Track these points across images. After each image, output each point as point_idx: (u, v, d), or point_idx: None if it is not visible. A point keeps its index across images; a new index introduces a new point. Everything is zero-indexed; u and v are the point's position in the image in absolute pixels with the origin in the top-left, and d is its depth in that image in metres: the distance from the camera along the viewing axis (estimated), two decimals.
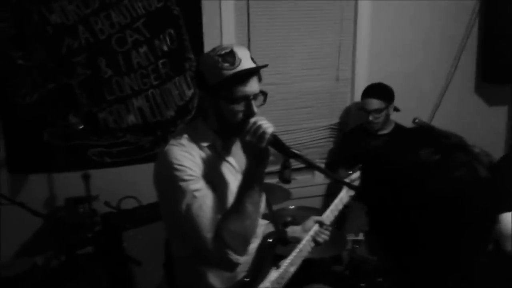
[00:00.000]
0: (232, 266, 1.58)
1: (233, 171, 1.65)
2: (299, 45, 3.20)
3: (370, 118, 2.98)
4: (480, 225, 0.73)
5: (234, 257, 1.51)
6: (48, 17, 2.59)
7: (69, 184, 2.65)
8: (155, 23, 2.80)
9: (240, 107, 1.51)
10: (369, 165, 0.84)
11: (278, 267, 1.77)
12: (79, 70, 2.70)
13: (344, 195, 1.99)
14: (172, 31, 2.85)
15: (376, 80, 3.09)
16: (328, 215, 1.90)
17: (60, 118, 2.67)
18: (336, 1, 3.21)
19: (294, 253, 1.78)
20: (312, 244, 1.84)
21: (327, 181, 3.37)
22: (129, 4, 2.73)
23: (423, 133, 0.80)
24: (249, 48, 3.04)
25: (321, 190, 3.37)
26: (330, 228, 1.87)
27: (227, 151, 1.65)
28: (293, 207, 2.72)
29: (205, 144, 1.59)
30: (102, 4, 2.67)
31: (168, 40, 2.84)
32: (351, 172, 2.06)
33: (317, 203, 3.32)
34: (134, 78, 2.82)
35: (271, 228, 1.85)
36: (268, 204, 1.79)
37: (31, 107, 2.64)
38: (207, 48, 2.90)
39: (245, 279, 1.71)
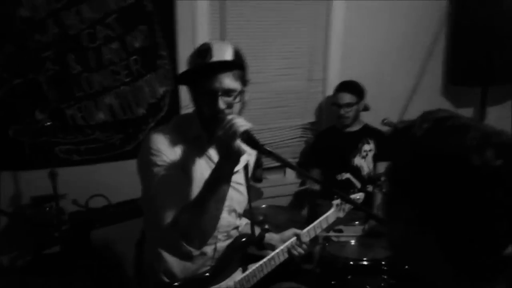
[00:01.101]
0: (187, 256, 1.64)
1: (210, 165, 1.64)
2: (273, 45, 3.22)
3: (341, 112, 3.05)
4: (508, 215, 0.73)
5: (187, 248, 1.58)
6: (16, 10, 2.51)
7: (35, 182, 2.58)
8: (128, 19, 2.75)
9: (209, 101, 1.51)
10: (393, 158, 0.82)
11: (245, 269, 1.77)
12: (47, 66, 2.63)
13: (331, 214, 1.98)
14: (144, 28, 2.81)
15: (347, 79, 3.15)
16: (309, 232, 1.88)
17: (26, 114, 2.60)
18: (310, 2, 3.24)
19: (264, 260, 1.79)
20: (286, 256, 1.83)
21: (298, 180, 3.39)
22: None
23: (474, 130, 0.75)
24: None
25: (292, 189, 3.39)
26: (306, 245, 1.84)
27: (211, 144, 1.64)
28: (264, 206, 2.73)
29: (190, 135, 1.62)
30: None
31: (140, 36, 2.80)
32: (350, 196, 2.08)
33: (288, 202, 3.34)
34: (104, 74, 2.76)
35: (248, 229, 1.85)
36: (249, 204, 1.80)
37: None
38: (180, 45, 2.88)
39: (205, 274, 1.72)
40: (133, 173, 2.59)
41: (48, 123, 2.51)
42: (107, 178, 2.76)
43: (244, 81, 1.57)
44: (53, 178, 2.41)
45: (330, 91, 3.28)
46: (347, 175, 3.06)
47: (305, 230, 1.87)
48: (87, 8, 2.66)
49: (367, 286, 2.20)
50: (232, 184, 1.64)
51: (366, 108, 3.17)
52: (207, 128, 1.60)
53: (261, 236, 1.88)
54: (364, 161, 3.06)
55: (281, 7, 3.16)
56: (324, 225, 1.94)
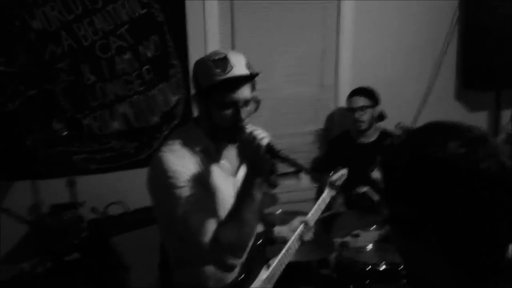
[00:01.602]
0: (229, 268, 1.65)
1: (225, 174, 1.67)
2: (283, 52, 3.23)
3: (356, 115, 3.02)
4: (508, 215, 0.73)
5: (231, 261, 1.58)
6: (30, 23, 2.56)
7: (54, 190, 2.62)
8: (139, 30, 2.80)
9: (229, 112, 1.53)
10: (392, 160, 0.83)
11: (268, 266, 1.79)
12: (62, 77, 2.67)
13: (326, 195, 2.13)
14: (156, 38, 2.84)
15: (358, 85, 3.13)
16: (313, 216, 2.01)
17: (43, 124, 2.64)
18: (320, 8, 3.25)
19: (283, 252, 1.83)
20: (299, 243, 1.91)
21: (313, 185, 3.38)
22: (113, 10, 2.72)
23: (446, 126, 0.79)
24: None
25: (308, 195, 3.37)
26: (313, 228, 1.98)
27: (219, 154, 1.66)
28: (279, 211, 2.73)
29: (198, 148, 1.60)
30: (85, 10, 2.65)
31: (152, 46, 2.84)
32: (332, 173, 2.19)
33: (303, 207, 3.32)
34: (118, 84, 2.80)
35: (260, 228, 1.89)
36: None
37: (13, 114, 2.59)
38: (191, 54, 2.90)
39: (239, 279, 1.73)
40: None
41: (65, 133, 2.54)
42: (124, 185, 2.78)
43: (254, 88, 1.61)
44: (72, 186, 2.44)
45: (341, 96, 3.28)
46: (365, 189, 3.01)
47: (309, 215, 2.01)
48: (99, 20, 2.70)
49: None
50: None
51: (381, 117, 3.12)
52: (215, 139, 1.62)
53: (270, 231, 1.94)
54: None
55: (290, 13, 3.17)
56: (322, 206, 2.10)
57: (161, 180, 1.54)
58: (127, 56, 2.80)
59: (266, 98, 3.19)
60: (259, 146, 1.44)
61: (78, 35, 2.67)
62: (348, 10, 3.29)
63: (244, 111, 1.53)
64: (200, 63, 1.59)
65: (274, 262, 1.80)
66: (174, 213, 1.53)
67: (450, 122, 0.79)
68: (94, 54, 2.72)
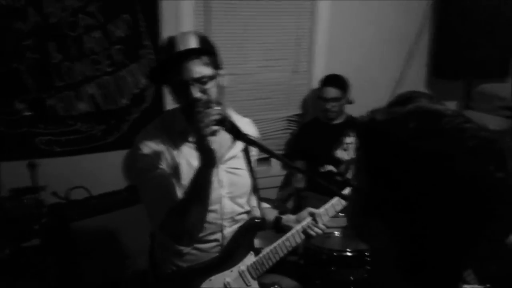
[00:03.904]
0: (176, 254, 1.68)
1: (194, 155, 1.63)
2: (258, 36, 3.19)
3: (328, 106, 3.06)
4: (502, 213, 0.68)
5: (177, 247, 1.64)
6: None
7: (14, 173, 2.52)
8: (110, 8, 2.70)
9: (182, 92, 1.50)
10: (378, 147, 0.73)
11: (257, 252, 1.76)
12: (27, 54, 2.57)
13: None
14: (127, 17, 2.76)
15: (332, 72, 3.15)
16: (326, 211, 1.81)
17: (5, 104, 2.54)
18: None
19: (279, 242, 1.76)
20: (303, 236, 1.78)
21: (283, 172, 3.38)
22: None
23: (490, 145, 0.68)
24: None
25: (278, 181, 3.38)
26: (325, 222, 1.80)
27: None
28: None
29: (177, 130, 1.61)
30: None
31: (123, 26, 2.75)
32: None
33: (273, 194, 3.33)
34: (86, 64, 2.71)
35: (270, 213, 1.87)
36: (256, 188, 1.81)
37: None
38: (164, 35, 2.83)
39: (215, 261, 1.71)
40: (115, 164, 2.56)
41: (28, 113, 2.45)
42: (89, 169, 2.71)
43: (216, 65, 1.55)
44: (32, 169, 2.36)
45: (315, 83, 3.27)
46: (330, 167, 3.07)
47: (321, 209, 1.81)
48: None
49: (351, 277, 2.20)
50: (230, 170, 1.68)
51: (350, 102, 3.18)
52: (190, 121, 1.57)
53: (278, 219, 1.85)
54: (346, 153, 3.07)
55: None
56: (339, 208, 1.83)
57: (131, 162, 1.68)
58: (96, 35, 2.71)
59: (240, 83, 3.20)
60: (206, 124, 1.37)
61: (46, 11, 2.57)
62: None
63: (199, 89, 1.48)
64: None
65: (266, 250, 1.76)
66: (141, 193, 1.62)
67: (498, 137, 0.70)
68: (62, 32, 2.62)
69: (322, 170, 3.08)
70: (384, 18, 3.49)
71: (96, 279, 2.40)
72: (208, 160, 1.44)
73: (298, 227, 1.78)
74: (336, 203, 1.82)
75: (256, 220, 1.79)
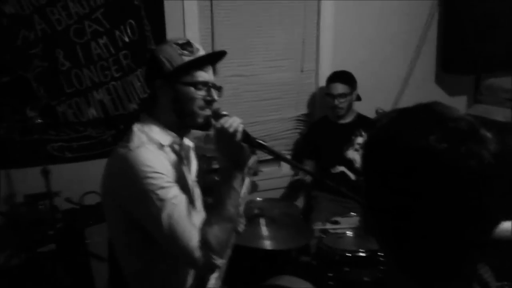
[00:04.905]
0: (214, 269, 1.49)
1: (187, 169, 1.65)
2: (264, 37, 3.19)
3: (336, 102, 3.04)
4: (473, 213, 0.69)
5: (218, 261, 1.43)
6: (1, 7, 2.47)
7: (28, 180, 2.55)
8: (115, 14, 2.72)
9: (201, 93, 1.51)
10: (372, 147, 0.78)
11: None
12: (35, 62, 2.59)
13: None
14: (133, 22, 2.77)
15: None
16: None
17: (16, 112, 2.57)
18: None
19: None
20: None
21: (293, 172, 3.38)
22: None
23: (431, 115, 0.73)
24: (212, 38, 3.02)
25: (288, 181, 3.38)
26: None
27: (182, 148, 1.62)
28: (260, 199, 2.72)
29: (165, 143, 1.52)
30: None
31: (129, 31, 2.77)
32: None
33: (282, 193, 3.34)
34: (94, 70, 2.73)
35: None
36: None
37: None
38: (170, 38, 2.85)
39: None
40: None
41: (39, 121, 2.48)
42: (100, 174, 2.72)
43: (215, 73, 1.61)
44: (46, 175, 2.38)
45: (322, 82, 3.26)
46: (342, 168, 3.05)
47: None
48: (74, 3, 2.62)
49: (365, 278, 2.20)
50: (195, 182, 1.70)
51: (358, 98, 3.16)
52: (179, 132, 1.57)
53: None
54: (357, 154, 3.05)
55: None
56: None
57: (139, 181, 1.40)
58: (103, 41, 2.73)
59: (246, 84, 3.20)
60: (235, 132, 1.40)
61: (52, 19, 2.59)
62: None
63: (214, 93, 1.53)
64: (163, 47, 1.52)
65: None
66: (158, 218, 1.39)
67: (438, 107, 0.75)
68: (69, 39, 2.65)
69: (333, 171, 3.06)
70: (391, 14, 3.47)
71: (109, 283, 2.42)
72: (243, 163, 1.46)
73: None
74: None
75: None
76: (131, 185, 1.42)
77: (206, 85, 1.51)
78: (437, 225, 0.69)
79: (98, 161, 2.77)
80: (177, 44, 1.49)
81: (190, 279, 1.66)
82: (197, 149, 1.84)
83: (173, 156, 1.54)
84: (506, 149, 0.72)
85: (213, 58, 1.56)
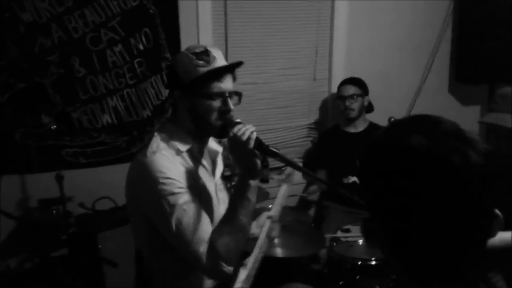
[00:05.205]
0: (223, 276, 1.53)
1: (207, 174, 1.65)
2: (277, 45, 3.21)
3: (346, 103, 3.04)
4: (470, 213, 0.70)
5: (227, 268, 1.48)
6: (20, 15, 2.52)
7: (42, 185, 2.58)
8: (131, 22, 2.76)
9: (216, 104, 1.52)
10: (366, 154, 0.81)
11: (244, 265, 1.76)
12: (52, 69, 2.64)
13: (286, 188, 1.93)
14: (148, 30, 2.81)
15: None
16: (276, 209, 1.84)
17: (32, 118, 2.61)
18: (313, 1, 3.23)
19: (257, 250, 1.75)
20: (267, 240, 1.79)
21: (304, 180, 3.38)
22: (104, 2, 2.68)
23: (416, 120, 0.77)
24: (226, 47, 3.04)
25: (300, 189, 3.37)
26: (278, 224, 1.87)
27: (201, 154, 1.64)
28: (271, 206, 2.71)
29: (183, 149, 1.56)
30: (76, 2, 2.62)
31: (144, 39, 2.81)
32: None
33: (294, 202, 3.33)
34: (109, 77, 2.77)
35: None
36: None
37: (2, 107, 2.56)
38: (184, 47, 2.87)
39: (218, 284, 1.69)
40: None
41: (54, 127, 2.52)
42: (114, 180, 2.73)
43: (234, 79, 1.60)
44: (60, 181, 2.41)
45: (334, 91, 3.26)
46: (354, 178, 3.03)
47: (273, 209, 1.82)
48: (90, 12, 2.67)
49: (376, 286, 2.18)
50: (222, 187, 1.71)
51: (370, 108, 3.15)
52: (199, 138, 1.60)
53: None
54: None
55: (284, 7, 3.15)
56: (284, 200, 1.87)
57: (152, 186, 1.45)
58: (118, 48, 2.77)
59: (259, 92, 3.22)
60: (248, 140, 1.41)
61: (69, 27, 2.64)
62: (342, 5, 3.27)
63: (230, 103, 1.53)
64: (179, 57, 1.56)
65: (250, 261, 1.76)
66: (168, 223, 1.45)
67: (429, 116, 0.77)
68: (85, 47, 2.69)
69: (346, 181, 3.03)
70: (404, 23, 3.47)
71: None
72: (256, 172, 1.46)
73: (263, 234, 1.76)
74: (279, 201, 1.82)
75: None
76: (146, 190, 1.48)
77: (222, 95, 1.52)
78: (431, 224, 0.70)
79: (111, 167, 2.80)
80: (194, 53, 1.51)
81: (209, 281, 1.68)
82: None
83: (190, 162, 1.57)
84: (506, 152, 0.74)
85: (229, 68, 1.55)
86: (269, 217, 1.81)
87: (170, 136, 1.56)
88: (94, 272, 2.36)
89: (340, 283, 2.23)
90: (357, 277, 2.21)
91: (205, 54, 1.51)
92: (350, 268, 2.23)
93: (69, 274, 2.35)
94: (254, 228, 1.86)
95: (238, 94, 1.58)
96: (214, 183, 1.68)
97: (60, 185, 2.41)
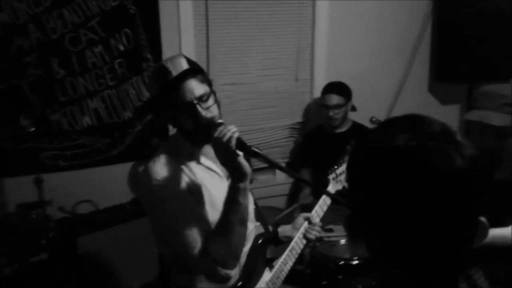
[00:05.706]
0: (223, 280, 1.55)
1: (217, 177, 1.64)
2: (259, 46, 3.21)
3: (330, 113, 3.04)
4: (452, 216, 0.70)
5: (223, 272, 1.50)
6: None
7: (21, 189, 2.54)
8: (111, 22, 2.73)
9: (187, 114, 1.50)
10: (354, 154, 0.81)
11: (271, 267, 1.76)
12: (30, 71, 2.59)
13: (331, 189, 2.01)
14: (128, 31, 2.78)
15: (334, 80, 3.14)
16: (316, 212, 1.89)
17: (10, 120, 2.56)
18: (295, 2, 3.23)
19: (286, 252, 1.79)
20: (304, 241, 1.84)
21: (288, 180, 3.38)
22: (83, 2, 2.65)
23: (407, 119, 0.77)
24: (207, 48, 3.02)
25: (283, 189, 3.38)
26: (319, 224, 1.87)
27: (207, 158, 1.63)
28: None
29: (184, 155, 1.59)
30: (54, 2, 2.58)
31: (124, 39, 2.78)
32: (335, 167, 2.11)
33: (279, 202, 3.33)
34: (89, 78, 2.73)
35: (261, 229, 1.85)
36: (256, 206, 1.81)
37: None
38: (165, 47, 2.86)
39: (238, 284, 1.69)
40: (120, 177, 2.57)
41: (33, 129, 2.48)
42: (94, 183, 2.72)
43: (209, 82, 1.57)
44: (39, 184, 2.38)
45: (317, 91, 3.28)
46: None
47: (313, 211, 1.88)
48: (69, 12, 2.63)
49: (359, 286, 2.19)
50: None
51: (353, 109, 3.17)
52: (196, 143, 1.60)
53: (275, 232, 1.89)
54: None
55: (266, 7, 3.15)
56: (328, 202, 1.92)
57: (148, 194, 1.55)
58: (98, 49, 2.74)
59: (241, 93, 3.21)
60: (229, 140, 1.41)
61: (47, 27, 2.60)
62: (323, 5, 3.28)
63: (204, 107, 1.50)
64: (148, 82, 1.60)
65: (278, 263, 1.77)
66: (163, 226, 1.56)
67: (420, 116, 0.77)
68: (64, 48, 2.65)
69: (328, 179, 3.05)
70: (384, 23, 3.50)
71: None
72: (242, 174, 1.46)
73: (299, 233, 1.83)
74: (322, 204, 1.90)
75: (265, 235, 1.80)
76: (143, 196, 1.62)
77: (188, 105, 1.48)
78: (422, 223, 0.70)
79: (91, 169, 2.77)
80: (153, 74, 1.58)
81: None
82: None
83: (194, 166, 1.59)
84: (496, 154, 0.74)
85: (178, 78, 1.49)
86: (306, 219, 1.85)
87: (170, 144, 1.63)
88: (75, 276, 2.33)
89: (323, 283, 2.24)
90: (340, 276, 2.22)
91: (161, 71, 1.51)
92: (333, 268, 2.24)
93: (49, 279, 2.31)
94: (289, 231, 1.88)
95: (208, 94, 1.53)
96: (226, 185, 1.63)
97: (39, 189, 2.37)
